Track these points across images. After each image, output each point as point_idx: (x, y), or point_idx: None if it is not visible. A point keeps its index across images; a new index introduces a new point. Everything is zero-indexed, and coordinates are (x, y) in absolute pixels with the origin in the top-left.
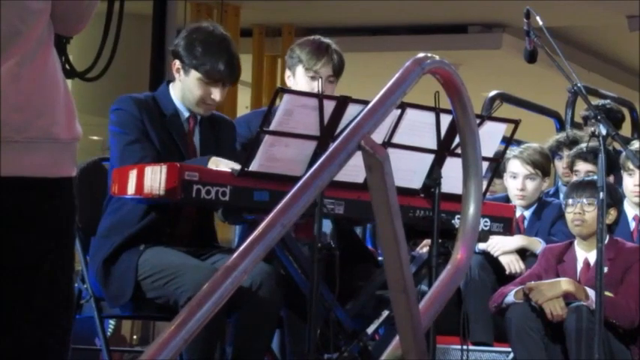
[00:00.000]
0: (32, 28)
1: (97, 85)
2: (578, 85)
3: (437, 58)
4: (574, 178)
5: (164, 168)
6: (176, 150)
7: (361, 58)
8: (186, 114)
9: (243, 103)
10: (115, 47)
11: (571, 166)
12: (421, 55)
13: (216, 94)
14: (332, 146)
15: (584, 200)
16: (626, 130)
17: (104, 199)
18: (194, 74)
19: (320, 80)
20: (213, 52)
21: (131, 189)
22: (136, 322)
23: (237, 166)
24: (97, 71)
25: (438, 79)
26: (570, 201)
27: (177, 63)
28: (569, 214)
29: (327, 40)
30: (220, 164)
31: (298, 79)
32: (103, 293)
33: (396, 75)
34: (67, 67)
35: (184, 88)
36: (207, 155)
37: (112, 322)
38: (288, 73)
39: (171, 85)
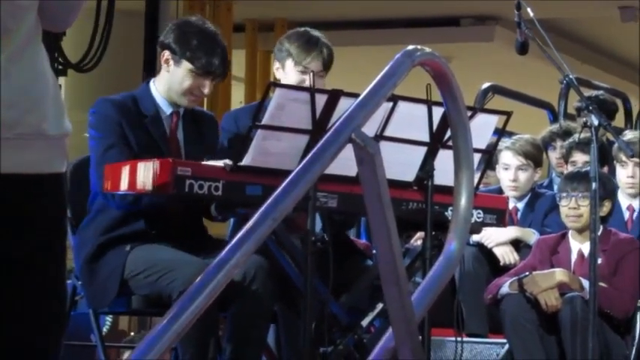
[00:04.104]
0: (21, 24)
1: (90, 82)
2: (570, 76)
3: (427, 50)
4: (569, 169)
5: (156, 163)
6: (156, 151)
7: (354, 52)
8: (168, 111)
9: (237, 99)
10: (106, 42)
11: (567, 157)
12: (411, 47)
13: (205, 87)
14: (323, 139)
15: (579, 194)
16: (619, 121)
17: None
18: (186, 65)
19: (311, 75)
20: (209, 46)
21: (124, 185)
22: (133, 317)
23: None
24: (91, 64)
25: (428, 71)
26: (564, 194)
27: (166, 54)
28: (564, 208)
29: (316, 33)
30: None
31: (288, 72)
32: (84, 292)
33: (386, 67)
34: (61, 60)
35: (172, 79)
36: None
37: (108, 317)
38: (277, 65)
39: (152, 82)
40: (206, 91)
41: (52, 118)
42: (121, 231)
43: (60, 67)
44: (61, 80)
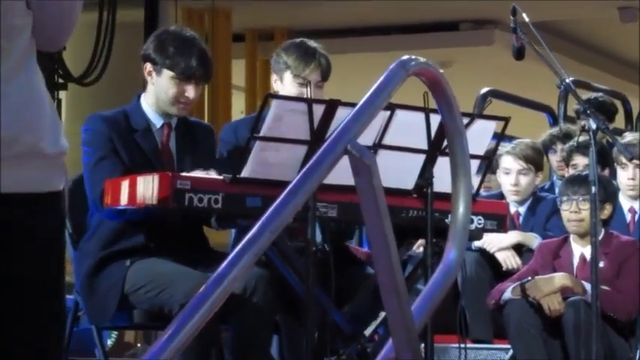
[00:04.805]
0: (15, 44)
1: (92, 94)
2: (567, 80)
3: (421, 59)
4: (570, 172)
5: (156, 177)
6: (147, 164)
7: (353, 60)
8: (159, 124)
9: (238, 108)
10: (109, 55)
11: (567, 160)
12: (405, 57)
13: (190, 91)
14: (318, 152)
15: (580, 197)
16: (619, 122)
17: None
18: (167, 73)
19: (309, 86)
20: (184, 50)
21: (124, 199)
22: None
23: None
24: (93, 77)
25: (423, 81)
26: (565, 198)
27: (148, 66)
28: (565, 212)
29: (313, 43)
30: None
31: (286, 84)
32: (85, 308)
33: (381, 78)
34: (62, 73)
35: (157, 90)
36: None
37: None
38: (274, 77)
39: (142, 96)
40: (191, 95)
41: (48, 136)
42: (120, 245)
43: (61, 80)
44: (62, 94)
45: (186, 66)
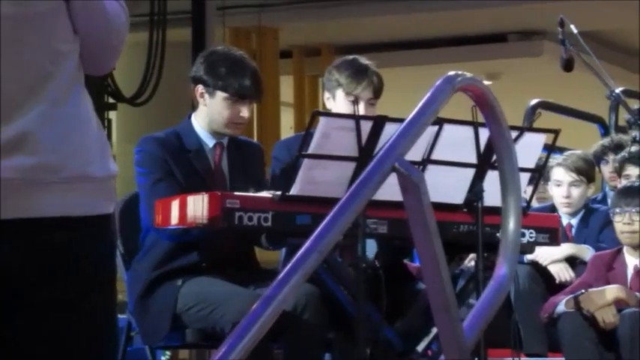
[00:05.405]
0: (63, 70)
1: (142, 114)
2: (616, 91)
3: (468, 75)
4: (623, 183)
5: (205, 197)
6: (202, 184)
7: (402, 73)
8: (211, 143)
9: (286, 124)
10: (159, 76)
11: (620, 171)
12: (452, 72)
13: (244, 111)
14: (366, 170)
15: (633, 209)
16: None
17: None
18: (220, 95)
19: (361, 104)
20: (237, 70)
21: (174, 219)
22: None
23: None
24: (145, 97)
25: (470, 97)
26: (618, 210)
27: (200, 88)
28: (618, 224)
29: (365, 61)
30: None
31: (339, 102)
32: (139, 328)
33: (427, 95)
34: (112, 92)
35: (211, 111)
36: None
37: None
38: (327, 95)
39: (193, 116)
40: (246, 115)
41: (96, 160)
42: (172, 265)
43: (112, 100)
44: (112, 114)
45: (240, 86)
